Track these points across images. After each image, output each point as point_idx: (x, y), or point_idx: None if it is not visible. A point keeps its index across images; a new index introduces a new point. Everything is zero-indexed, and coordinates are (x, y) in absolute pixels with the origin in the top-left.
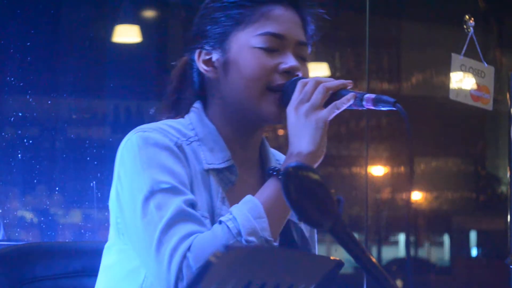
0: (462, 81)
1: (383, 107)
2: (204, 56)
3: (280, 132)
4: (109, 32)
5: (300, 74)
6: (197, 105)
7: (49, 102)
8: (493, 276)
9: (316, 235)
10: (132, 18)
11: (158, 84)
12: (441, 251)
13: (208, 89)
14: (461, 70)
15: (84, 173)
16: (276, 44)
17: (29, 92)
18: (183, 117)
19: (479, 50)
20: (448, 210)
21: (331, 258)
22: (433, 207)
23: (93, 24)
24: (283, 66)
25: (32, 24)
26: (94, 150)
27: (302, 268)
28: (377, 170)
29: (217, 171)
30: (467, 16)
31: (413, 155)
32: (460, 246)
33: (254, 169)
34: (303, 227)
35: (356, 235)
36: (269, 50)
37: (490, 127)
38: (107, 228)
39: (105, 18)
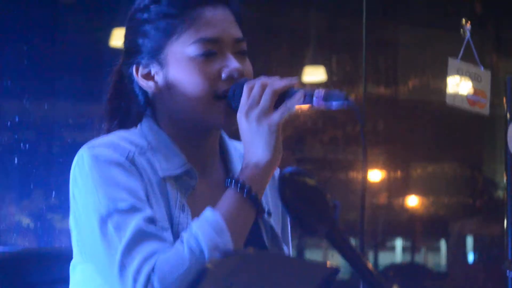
0: (458, 85)
1: (334, 102)
2: (142, 71)
3: None
4: (107, 36)
5: (242, 76)
6: (147, 113)
7: (46, 106)
8: (490, 281)
9: (289, 230)
10: None
11: None
12: (437, 256)
13: (153, 101)
14: (458, 74)
15: None
16: (213, 49)
17: (26, 96)
18: (136, 126)
19: (475, 54)
20: (444, 215)
21: (327, 264)
22: (429, 212)
23: (90, 28)
24: (226, 70)
25: (29, 28)
26: None
27: (299, 275)
28: (374, 175)
29: (175, 178)
30: (463, 20)
31: (366, 148)
32: (457, 251)
33: (215, 170)
34: (273, 223)
35: (352, 241)
36: (207, 56)
37: (486, 132)
38: None
39: (103, 22)
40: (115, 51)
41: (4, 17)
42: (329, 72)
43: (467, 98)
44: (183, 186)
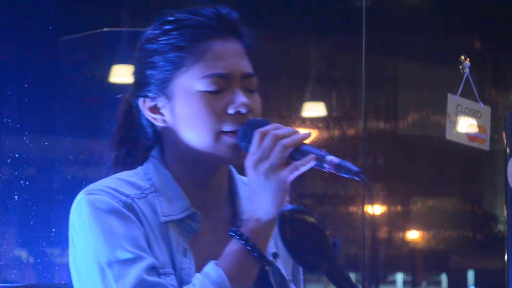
0: (458, 121)
1: (345, 174)
2: (149, 103)
3: None
4: (106, 72)
5: (250, 111)
6: (154, 152)
7: (46, 143)
8: None
9: (301, 271)
10: (129, 59)
11: None
12: None
13: (161, 135)
14: (457, 111)
15: None
16: (222, 84)
17: (26, 133)
18: (141, 165)
19: (475, 90)
20: (445, 249)
21: None
22: (430, 246)
23: (90, 64)
24: (233, 106)
25: (29, 66)
26: None
27: None
28: (374, 209)
29: (178, 222)
30: (462, 57)
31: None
32: (457, 285)
33: (221, 208)
34: (281, 266)
35: (353, 275)
36: (215, 92)
37: (486, 166)
38: None
39: (102, 58)
40: (115, 87)
41: (5, 54)
42: (329, 108)
43: (467, 134)
44: (186, 230)
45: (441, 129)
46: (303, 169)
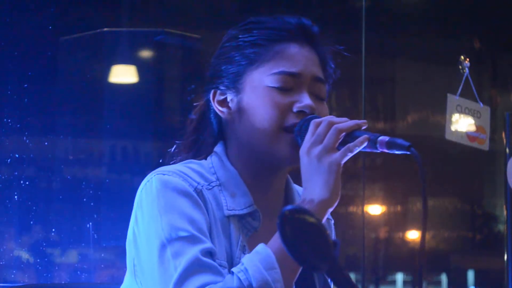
0: (458, 121)
1: (397, 150)
2: (219, 97)
3: None
4: (106, 72)
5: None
6: (218, 147)
7: (46, 143)
8: None
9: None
10: (128, 59)
11: (155, 124)
12: None
13: (226, 130)
14: (457, 111)
15: (80, 214)
16: (290, 83)
17: (26, 133)
18: (205, 158)
19: (474, 91)
20: (445, 249)
21: None
22: (430, 246)
23: (89, 64)
24: (298, 105)
25: (29, 66)
26: (91, 191)
27: None
28: (374, 209)
29: (239, 218)
30: (462, 57)
31: (426, 199)
32: (457, 285)
33: (280, 211)
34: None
35: (353, 275)
36: (283, 89)
37: (486, 166)
38: (103, 269)
39: (102, 58)
40: (115, 87)
41: (5, 54)
42: (329, 108)
43: (467, 134)
44: (246, 227)
45: (440, 129)
46: (356, 150)
